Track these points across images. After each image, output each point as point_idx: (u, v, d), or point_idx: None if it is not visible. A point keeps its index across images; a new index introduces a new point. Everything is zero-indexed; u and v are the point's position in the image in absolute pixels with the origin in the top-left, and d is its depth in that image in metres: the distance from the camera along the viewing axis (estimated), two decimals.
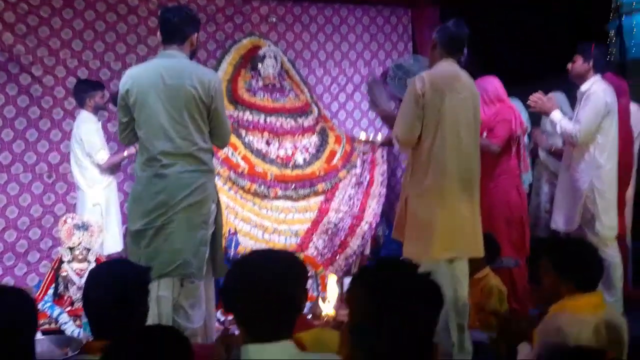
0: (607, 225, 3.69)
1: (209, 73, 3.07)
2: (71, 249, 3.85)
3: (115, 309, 1.77)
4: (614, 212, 3.73)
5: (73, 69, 4.73)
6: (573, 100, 4.14)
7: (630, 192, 4.27)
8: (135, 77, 2.89)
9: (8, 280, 4.48)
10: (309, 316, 3.73)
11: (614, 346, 2.21)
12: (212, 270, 3.07)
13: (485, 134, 3.83)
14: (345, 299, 1.37)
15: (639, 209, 4.41)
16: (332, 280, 3.67)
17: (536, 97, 3.83)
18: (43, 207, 4.65)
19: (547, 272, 2.40)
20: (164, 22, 2.97)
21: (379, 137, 5.01)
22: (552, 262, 2.38)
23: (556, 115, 3.78)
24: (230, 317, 3.93)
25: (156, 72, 2.85)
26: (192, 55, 3.08)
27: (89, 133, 4.28)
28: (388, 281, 1.28)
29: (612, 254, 3.54)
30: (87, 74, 4.75)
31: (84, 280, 3.75)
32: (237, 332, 3.44)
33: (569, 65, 3.83)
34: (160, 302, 2.73)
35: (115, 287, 1.81)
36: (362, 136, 4.72)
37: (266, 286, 1.50)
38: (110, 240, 4.32)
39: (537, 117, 4.52)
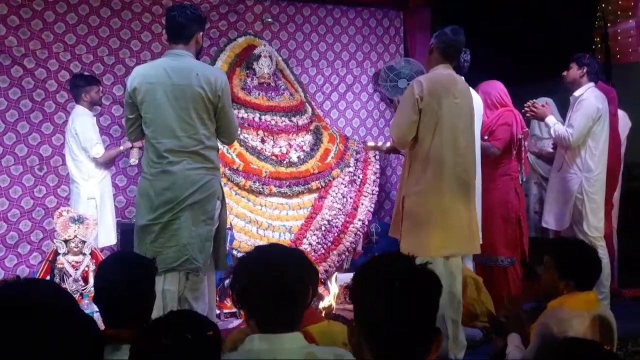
0: (594, 226, 3.84)
1: (216, 72, 3.10)
2: (66, 241, 3.85)
3: (128, 298, 1.82)
4: (601, 214, 3.87)
5: (66, 63, 4.70)
6: (561, 105, 4.25)
7: (616, 195, 4.43)
8: (143, 75, 2.91)
9: None
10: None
11: (605, 339, 2.34)
12: (214, 264, 3.12)
13: (486, 137, 3.93)
14: (350, 293, 1.40)
15: (624, 211, 4.54)
16: (332, 277, 3.79)
17: (531, 106, 3.92)
18: (34, 200, 4.63)
19: (549, 270, 2.51)
20: (169, 21, 2.99)
21: (388, 144, 5.04)
22: (554, 262, 2.49)
23: (551, 119, 3.92)
24: (225, 310, 3.97)
25: (164, 72, 2.88)
26: (198, 54, 3.11)
27: (84, 128, 4.27)
28: (390, 273, 1.30)
29: (600, 254, 3.63)
30: (80, 67, 4.72)
31: (79, 272, 3.80)
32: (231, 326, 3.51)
33: (565, 73, 3.95)
34: (166, 296, 2.77)
35: (128, 277, 1.85)
36: (370, 142, 4.75)
37: (273, 281, 1.54)
38: (104, 233, 4.33)
39: (525, 121, 4.61)
